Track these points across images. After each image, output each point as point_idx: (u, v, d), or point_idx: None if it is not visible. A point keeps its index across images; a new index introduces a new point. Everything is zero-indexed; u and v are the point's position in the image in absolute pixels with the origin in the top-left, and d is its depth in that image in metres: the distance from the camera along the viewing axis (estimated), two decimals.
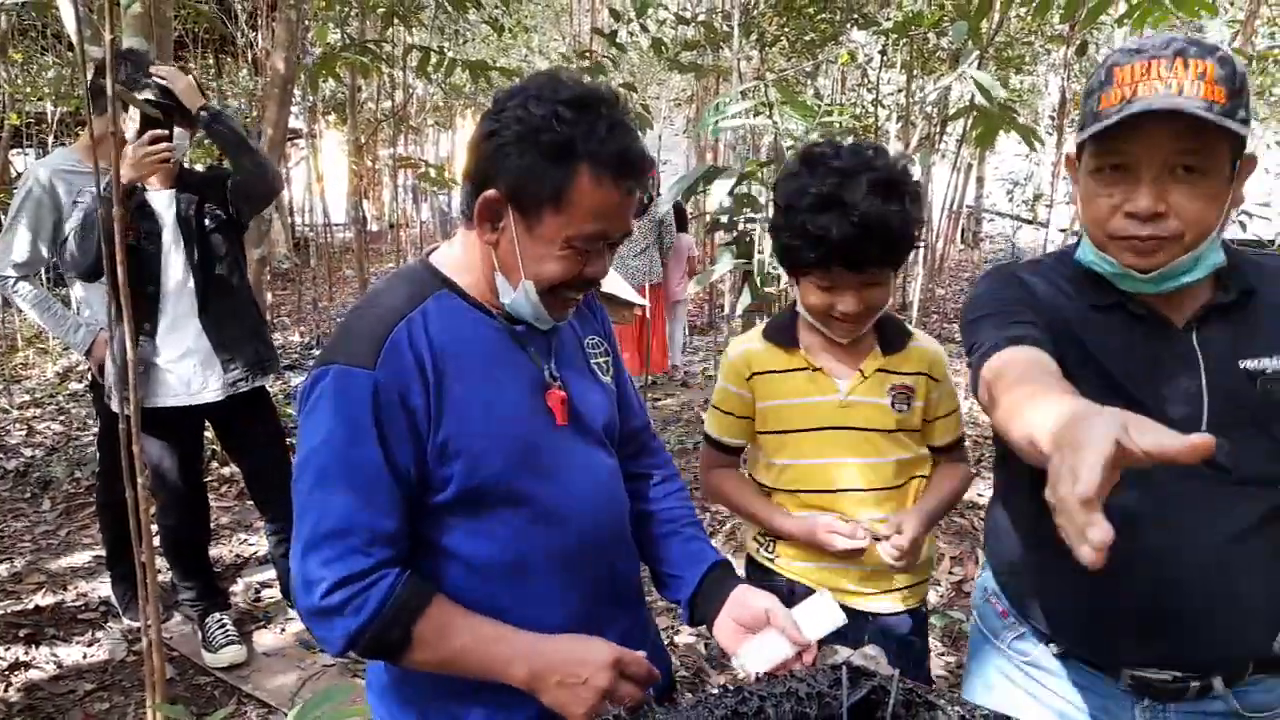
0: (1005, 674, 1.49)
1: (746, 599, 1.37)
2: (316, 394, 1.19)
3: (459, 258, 1.31)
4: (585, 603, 1.33)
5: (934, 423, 1.82)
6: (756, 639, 1.33)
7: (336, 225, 10.57)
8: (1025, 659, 1.46)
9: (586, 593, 1.33)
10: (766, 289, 4.10)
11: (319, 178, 9.09)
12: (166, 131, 2.78)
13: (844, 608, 1.38)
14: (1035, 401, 1.01)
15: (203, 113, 2.90)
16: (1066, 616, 1.38)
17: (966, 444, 1.88)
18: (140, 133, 2.75)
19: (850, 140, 1.70)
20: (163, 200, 3.01)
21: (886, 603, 1.80)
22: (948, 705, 1.23)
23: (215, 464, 4.76)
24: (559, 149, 1.15)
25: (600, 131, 1.16)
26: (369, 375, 1.17)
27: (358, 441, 1.16)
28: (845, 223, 1.55)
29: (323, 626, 1.17)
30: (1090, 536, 0.72)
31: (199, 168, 3.40)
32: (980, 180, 13.02)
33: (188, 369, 3.01)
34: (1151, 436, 0.75)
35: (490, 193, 1.19)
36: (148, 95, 2.79)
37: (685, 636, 3.39)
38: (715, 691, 1.26)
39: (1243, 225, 5.84)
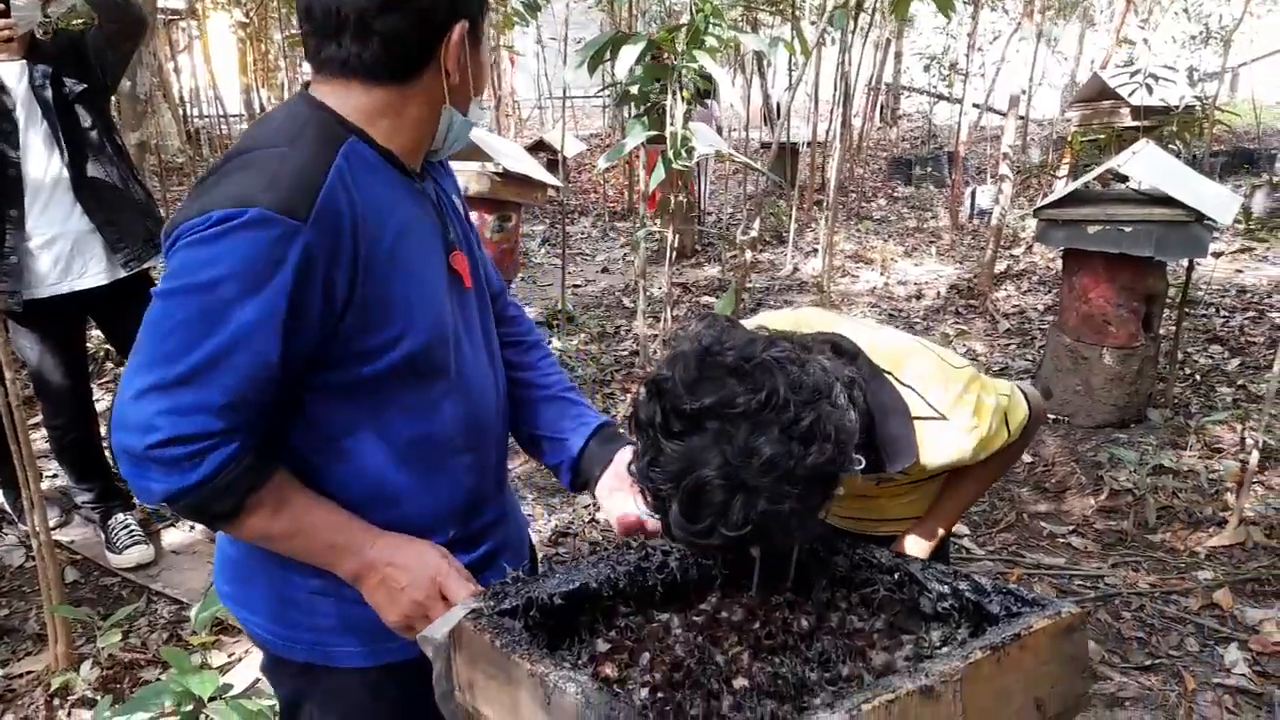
0: None
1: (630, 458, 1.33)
2: (221, 230, 0.98)
3: (366, 106, 1.11)
4: (477, 480, 1.28)
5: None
6: (625, 492, 1.29)
7: (232, 116, 9.93)
8: None
9: (482, 470, 1.28)
10: (681, 163, 3.99)
11: (207, 61, 8.48)
12: (2, 6, 2.48)
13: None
14: None
15: None
16: None
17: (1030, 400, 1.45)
18: None
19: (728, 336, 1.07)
20: (13, 73, 2.73)
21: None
22: (848, 548, 1.22)
23: (110, 364, 4.53)
24: None
25: None
26: (299, 230, 0.99)
27: (256, 305, 0.99)
28: (721, 541, 1.05)
29: (139, 474, 1.03)
30: None
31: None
32: (899, 56, 12.89)
33: (62, 252, 2.79)
34: None
35: (462, 24, 1.10)
36: None
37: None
38: (617, 549, 1.23)
39: (1149, 89, 5.89)
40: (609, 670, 1.07)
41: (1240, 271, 6.19)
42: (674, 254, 4.66)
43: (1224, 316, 5.26)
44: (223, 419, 1.02)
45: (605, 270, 7.33)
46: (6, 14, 2.47)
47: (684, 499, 1.02)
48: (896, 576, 1.16)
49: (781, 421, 1.00)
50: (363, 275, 1.07)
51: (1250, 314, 5.27)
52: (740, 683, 1.05)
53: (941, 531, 1.49)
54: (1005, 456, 1.45)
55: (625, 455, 1.33)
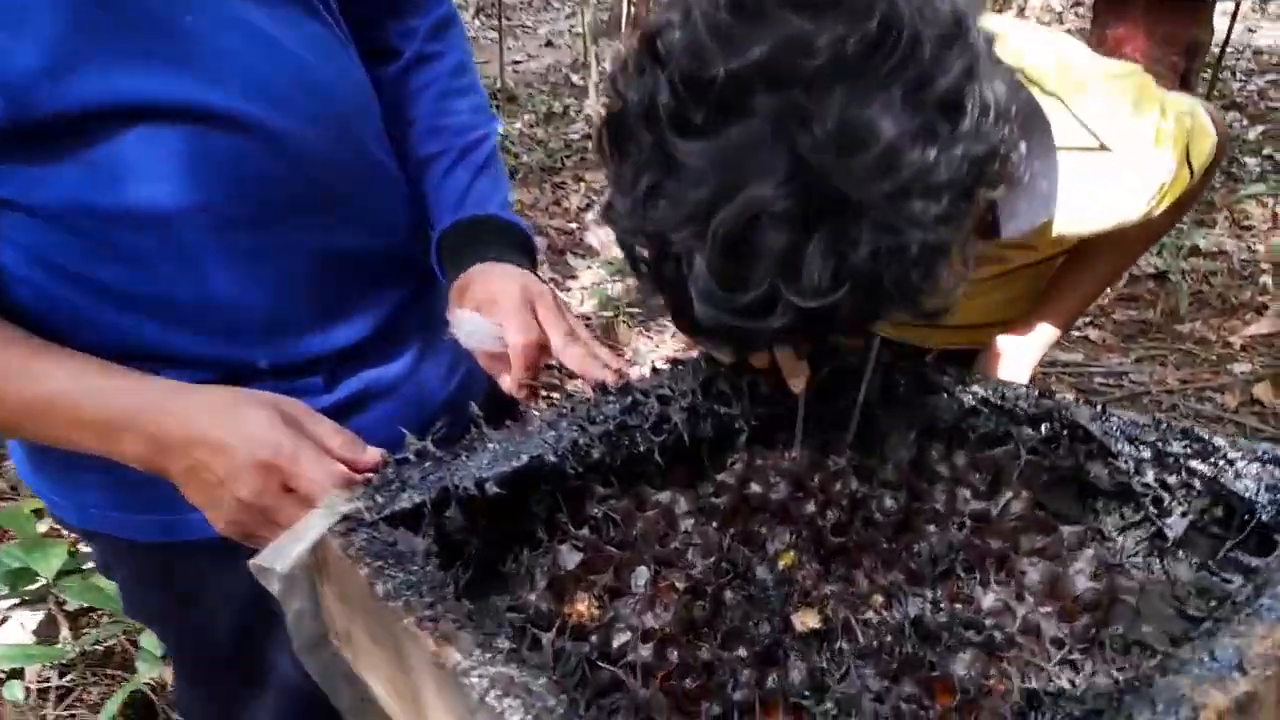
0: None
1: (491, 275, 0.85)
2: None
3: None
4: (299, 270, 0.79)
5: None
6: (478, 317, 0.81)
7: None
8: None
9: (299, 256, 0.78)
10: None
11: None
12: None
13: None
14: None
15: None
16: None
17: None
18: None
19: None
20: None
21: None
22: (950, 380, 0.77)
23: None
24: None
25: None
26: None
27: None
28: (790, 319, 0.56)
29: None
30: None
31: None
32: None
33: None
34: None
35: None
36: None
37: None
38: (588, 396, 0.76)
39: None
40: (582, 609, 0.64)
41: (1253, 31, 5.62)
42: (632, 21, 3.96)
43: (1241, 80, 4.75)
44: None
45: (549, 44, 6.59)
46: None
47: (722, 245, 0.54)
48: (1048, 428, 0.71)
49: (906, 77, 0.51)
50: None
51: (1269, 77, 4.76)
52: (806, 622, 0.62)
53: (1055, 332, 1.03)
54: (1173, 214, 0.94)
55: (487, 270, 0.84)
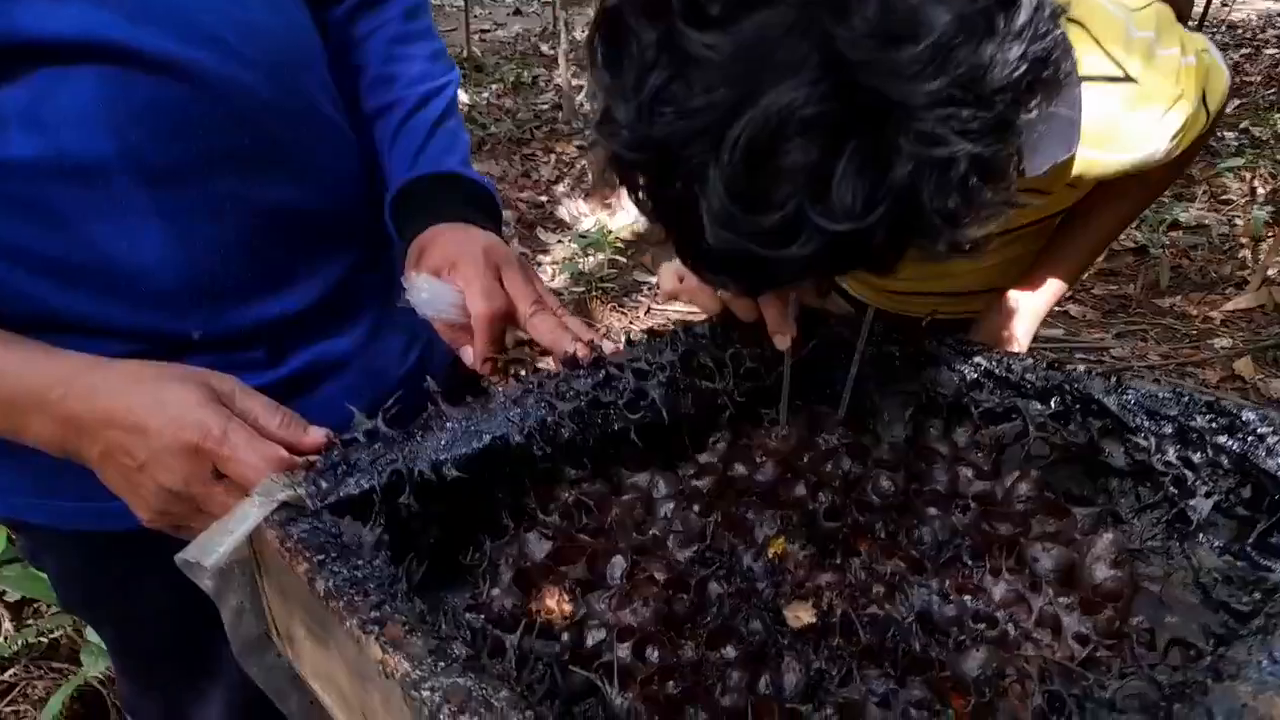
0: None
1: (451, 237, 0.77)
2: None
3: None
4: (235, 230, 0.71)
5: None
6: (437, 282, 0.74)
7: None
8: None
9: (234, 214, 0.71)
10: None
11: None
12: None
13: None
14: None
15: None
16: None
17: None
18: None
19: None
20: None
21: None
22: (950, 350, 0.72)
23: None
24: None
25: None
26: None
27: None
28: (816, 246, 0.49)
29: None
30: None
31: None
32: None
33: None
34: None
35: None
36: None
37: None
38: (556, 371, 0.70)
39: None
40: (552, 605, 0.57)
41: (1227, 5, 5.61)
42: None
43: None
44: None
45: (518, 12, 6.46)
46: None
47: (741, 158, 0.46)
48: (1058, 403, 0.65)
49: None
50: None
51: (1244, 50, 4.74)
52: (800, 617, 0.56)
53: (1062, 287, 0.97)
54: (1182, 162, 0.89)
55: (447, 233, 0.77)
